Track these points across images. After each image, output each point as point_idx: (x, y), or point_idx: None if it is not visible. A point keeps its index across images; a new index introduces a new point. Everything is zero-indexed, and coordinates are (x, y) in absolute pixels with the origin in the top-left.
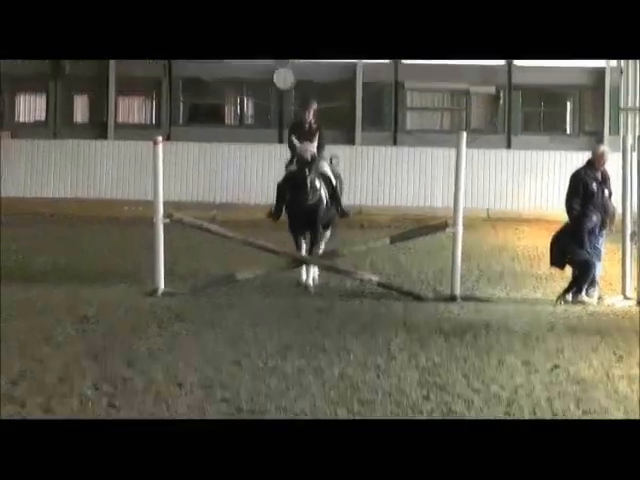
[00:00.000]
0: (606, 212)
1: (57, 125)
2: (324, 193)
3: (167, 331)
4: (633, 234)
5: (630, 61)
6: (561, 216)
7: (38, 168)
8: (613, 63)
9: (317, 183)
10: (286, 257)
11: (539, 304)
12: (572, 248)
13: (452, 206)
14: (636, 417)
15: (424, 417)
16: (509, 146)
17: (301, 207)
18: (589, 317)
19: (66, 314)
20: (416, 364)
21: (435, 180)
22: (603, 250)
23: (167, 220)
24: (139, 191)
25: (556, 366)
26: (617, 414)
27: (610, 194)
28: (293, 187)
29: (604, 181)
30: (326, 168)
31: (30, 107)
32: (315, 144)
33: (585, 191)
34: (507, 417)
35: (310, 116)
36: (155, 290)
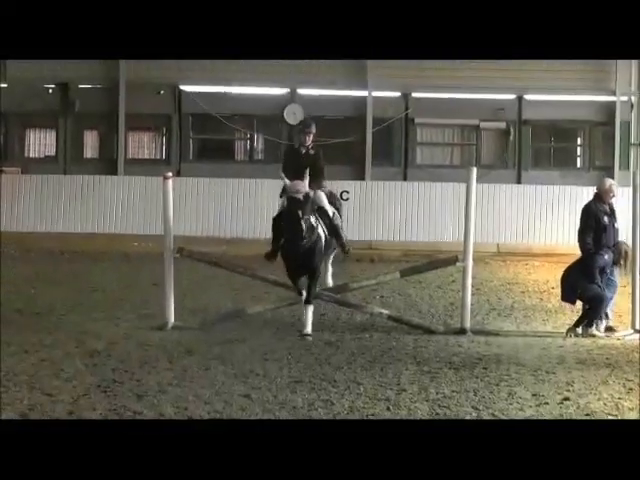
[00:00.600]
0: (616, 246)
1: (67, 161)
2: (322, 230)
3: (177, 365)
4: None
5: None
6: (571, 250)
7: (48, 203)
8: (624, 98)
9: (313, 221)
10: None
11: (549, 337)
12: (583, 283)
13: (462, 240)
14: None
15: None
16: (519, 181)
17: (297, 251)
18: (599, 350)
19: (76, 348)
20: (426, 396)
21: (445, 215)
22: (618, 281)
23: (177, 255)
24: (149, 226)
25: (566, 398)
26: None
27: (618, 228)
28: (288, 230)
29: (612, 214)
30: (323, 201)
31: (40, 143)
32: (306, 178)
33: (597, 225)
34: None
35: (308, 141)
36: (165, 324)
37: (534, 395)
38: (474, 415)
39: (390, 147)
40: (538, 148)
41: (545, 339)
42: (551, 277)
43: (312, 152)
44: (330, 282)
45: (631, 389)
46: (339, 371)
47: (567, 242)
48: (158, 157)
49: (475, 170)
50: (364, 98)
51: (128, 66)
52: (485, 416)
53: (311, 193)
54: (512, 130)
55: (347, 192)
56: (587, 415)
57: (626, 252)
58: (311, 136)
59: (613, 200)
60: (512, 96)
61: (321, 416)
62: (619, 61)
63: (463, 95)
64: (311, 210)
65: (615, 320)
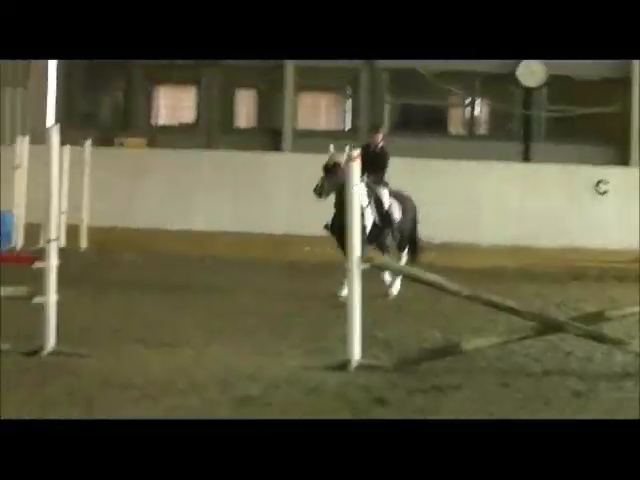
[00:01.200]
0: None
1: (211, 130)
2: (370, 214)
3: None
4: None
5: None
6: None
7: (183, 189)
8: None
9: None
10: (533, 319)
11: None
12: None
13: None
14: None
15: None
16: None
17: (334, 220)
18: None
19: (219, 394)
20: None
21: None
22: None
23: (366, 265)
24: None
25: None
26: None
27: None
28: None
29: None
30: (383, 194)
31: (174, 105)
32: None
33: None
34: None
35: (379, 139)
36: (347, 362)
37: None
38: None
39: None
40: None
41: None
42: None
43: (379, 150)
44: (393, 289)
45: None
46: None
47: None
48: (339, 128)
49: None
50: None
51: None
52: None
53: (342, 164)
54: None
55: (605, 182)
56: None
57: None
58: (380, 136)
59: None
60: None
61: None
62: None
63: None
64: (334, 183)
65: None
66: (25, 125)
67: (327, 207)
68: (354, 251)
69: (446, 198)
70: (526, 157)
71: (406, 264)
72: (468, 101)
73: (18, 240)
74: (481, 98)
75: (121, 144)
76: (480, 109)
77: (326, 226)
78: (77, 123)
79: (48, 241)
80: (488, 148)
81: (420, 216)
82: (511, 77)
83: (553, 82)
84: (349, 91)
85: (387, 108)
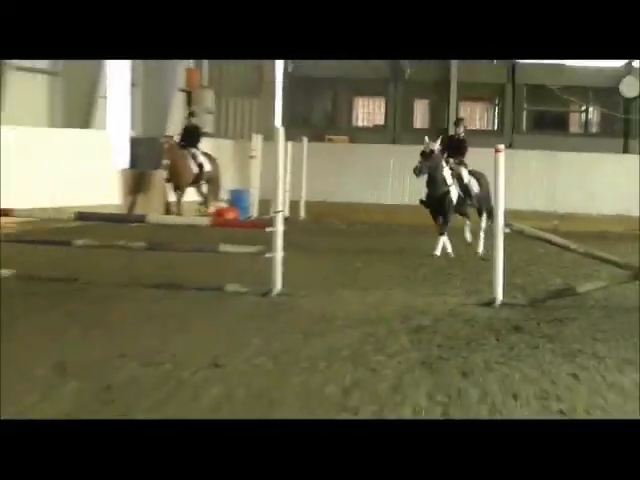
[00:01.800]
0: None
1: (396, 130)
2: (454, 188)
3: (504, 343)
4: None
5: None
6: None
7: (375, 174)
8: None
9: (447, 178)
10: (630, 270)
11: None
12: None
13: None
14: None
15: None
16: None
17: (428, 195)
18: None
19: (400, 324)
20: None
21: None
22: None
23: (507, 230)
24: None
25: None
26: None
27: None
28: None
29: None
30: (463, 172)
31: (369, 111)
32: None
33: None
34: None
35: (461, 130)
36: (493, 300)
37: None
38: None
39: None
40: None
41: None
42: None
43: (461, 137)
44: (480, 248)
45: None
46: None
47: None
48: (490, 128)
49: None
50: None
51: None
52: None
53: (436, 150)
54: None
55: None
56: None
57: None
58: (461, 128)
59: None
60: None
61: None
62: None
63: None
64: (434, 166)
65: None
66: (259, 125)
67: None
68: (499, 218)
69: (566, 180)
70: (625, 150)
71: (486, 223)
72: (583, 108)
73: (254, 212)
74: (593, 105)
75: (329, 140)
76: (592, 114)
77: (421, 201)
78: (297, 124)
79: (276, 212)
80: (598, 143)
81: (546, 193)
82: (615, 90)
83: None
84: (497, 100)
85: (524, 113)
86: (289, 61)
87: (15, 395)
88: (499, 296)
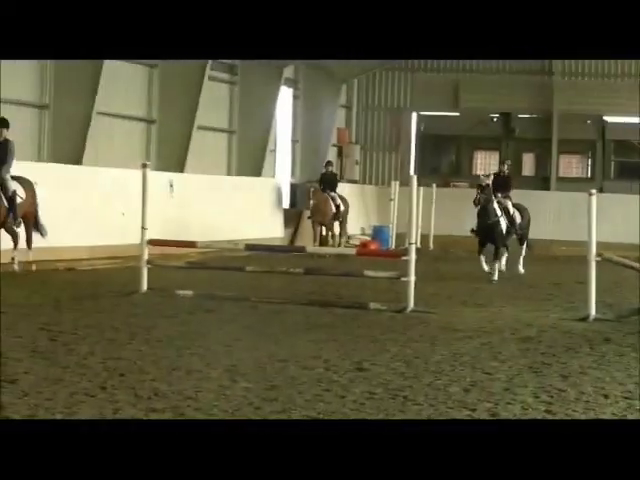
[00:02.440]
0: None
1: None
2: (503, 219)
3: (596, 351)
4: None
5: None
6: None
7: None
8: None
9: (497, 209)
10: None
11: None
12: None
13: None
14: None
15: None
16: None
17: (479, 224)
18: None
19: (510, 335)
20: None
21: None
22: None
23: (599, 258)
24: (576, 234)
25: None
26: None
27: None
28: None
29: None
30: (508, 204)
31: (486, 162)
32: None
33: None
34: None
35: (505, 168)
36: (587, 316)
37: None
38: None
39: None
40: None
41: None
42: None
43: (506, 175)
44: (520, 269)
45: None
46: None
47: None
48: (584, 176)
49: None
50: None
51: (560, 99)
52: None
53: (489, 185)
54: None
55: None
56: None
57: None
58: (506, 166)
59: None
60: None
61: None
62: None
63: None
64: (488, 198)
65: None
66: (397, 174)
67: (573, 220)
68: (592, 248)
69: None
70: None
71: (525, 251)
72: None
73: (392, 244)
74: None
75: (454, 186)
76: None
77: (472, 230)
78: (427, 173)
79: (410, 244)
80: None
81: (631, 228)
82: None
83: None
84: (589, 153)
85: (612, 164)
86: (421, 121)
87: (192, 393)
88: (592, 312)
